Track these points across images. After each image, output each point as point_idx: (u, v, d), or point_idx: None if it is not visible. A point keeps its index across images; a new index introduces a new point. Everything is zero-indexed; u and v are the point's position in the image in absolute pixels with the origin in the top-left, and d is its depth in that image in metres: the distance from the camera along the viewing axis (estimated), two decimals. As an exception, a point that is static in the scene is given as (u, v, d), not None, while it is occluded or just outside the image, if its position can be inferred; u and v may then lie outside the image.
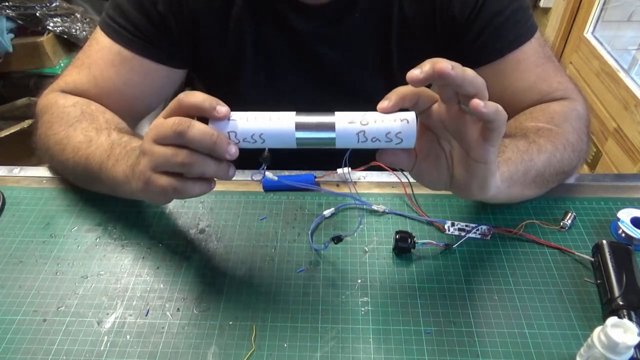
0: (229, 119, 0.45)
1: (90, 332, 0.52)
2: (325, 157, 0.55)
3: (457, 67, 0.40)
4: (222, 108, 0.44)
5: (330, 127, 0.45)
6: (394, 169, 0.67)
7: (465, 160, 0.46)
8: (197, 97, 0.45)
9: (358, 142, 0.45)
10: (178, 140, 0.44)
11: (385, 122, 0.44)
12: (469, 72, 0.40)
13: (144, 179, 0.48)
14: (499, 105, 0.41)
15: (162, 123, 0.45)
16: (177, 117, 0.45)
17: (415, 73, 0.40)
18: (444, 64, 0.39)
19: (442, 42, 0.70)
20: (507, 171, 0.54)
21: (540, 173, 0.59)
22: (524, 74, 0.68)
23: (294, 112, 0.45)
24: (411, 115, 0.45)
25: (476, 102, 0.40)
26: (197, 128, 0.44)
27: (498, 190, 0.52)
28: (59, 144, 0.63)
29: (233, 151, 0.45)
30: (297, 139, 0.45)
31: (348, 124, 0.44)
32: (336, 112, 0.45)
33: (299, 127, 0.45)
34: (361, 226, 0.63)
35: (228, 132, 0.45)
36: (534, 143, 0.59)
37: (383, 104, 0.44)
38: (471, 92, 0.41)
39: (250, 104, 0.77)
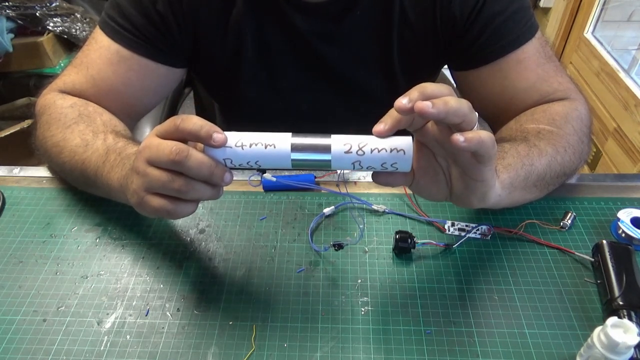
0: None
1: (90, 332, 0.52)
2: None
3: (438, 100, 0.39)
4: (219, 136, 0.44)
5: (326, 149, 0.44)
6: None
7: (462, 177, 0.46)
8: (194, 124, 0.44)
9: (353, 168, 0.45)
10: (174, 167, 0.44)
11: (381, 153, 0.44)
12: (452, 102, 0.40)
13: (137, 198, 0.48)
14: (482, 134, 0.41)
15: (157, 146, 0.45)
16: (174, 143, 0.44)
17: (402, 102, 0.40)
18: (424, 103, 0.39)
19: (442, 42, 0.70)
20: (508, 178, 0.54)
21: (542, 177, 0.59)
22: (525, 73, 0.67)
23: (290, 134, 0.45)
24: (407, 145, 0.44)
25: (455, 139, 0.40)
26: (195, 158, 0.44)
27: (499, 198, 0.52)
28: (56, 146, 0.63)
29: (228, 179, 0.46)
30: (292, 160, 0.45)
31: (344, 153, 0.44)
32: (332, 135, 0.45)
33: (295, 148, 0.45)
34: (361, 226, 0.63)
35: (224, 159, 0.45)
36: (535, 147, 0.59)
37: (379, 127, 0.43)
38: (456, 122, 0.40)
39: (250, 102, 0.78)
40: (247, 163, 0.45)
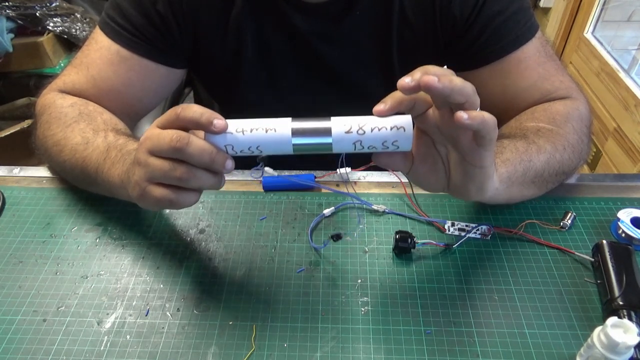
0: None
1: (90, 332, 0.52)
2: (324, 157, 0.55)
3: (444, 77, 0.40)
4: (220, 122, 0.44)
5: (327, 132, 0.44)
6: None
7: (461, 164, 0.46)
8: (194, 112, 0.44)
9: (355, 149, 0.45)
10: (175, 155, 0.44)
11: (381, 131, 0.44)
12: (457, 81, 0.40)
13: (139, 190, 0.48)
14: (484, 114, 0.41)
15: (158, 135, 0.45)
16: (175, 131, 0.44)
17: (405, 81, 0.41)
18: (430, 77, 0.39)
19: (442, 42, 0.70)
20: (506, 172, 0.54)
21: (540, 173, 0.59)
22: (525, 73, 0.67)
23: (290, 119, 0.45)
24: (407, 122, 0.44)
25: (459, 115, 0.40)
26: (196, 144, 0.44)
27: (497, 191, 0.52)
28: (56, 145, 0.63)
29: (230, 166, 0.45)
30: (293, 145, 0.45)
31: (345, 133, 0.44)
32: (332, 117, 0.45)
33: (295, 133, 0.45)
34: (361, 226, 0.63)
35: (225, 146, 0.45)
36: (534, 144, 0.59)
37: (379, 107, 0.44)
38: (460, 101, 0.40)
39: (250, 102, 0.78)
40: (249, 149, 0.45)
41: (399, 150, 0.46)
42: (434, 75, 0.39)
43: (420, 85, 0.40)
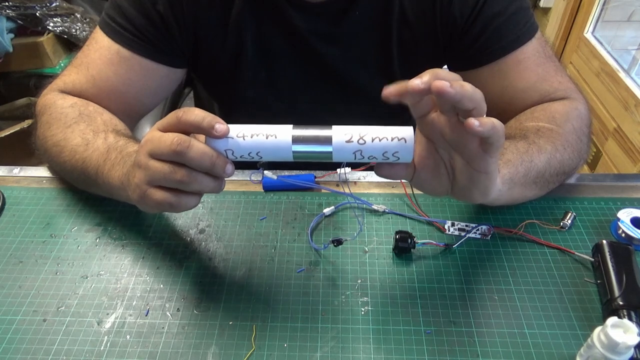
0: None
1: (90, 332, 0.52)
2: None
3: (455, 83, 0.39)
4: (221, 126, 0.44)
5: (327, 140, 0.44)
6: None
7: (465, 170, 0.46)
8: (196, 116, 0.44)
9: (355, 159, 0.45)
10: (176, 159, 0.44)
11: (382, 142, 0.44)
12: (467, 87, 0.40)
13: (139, 192, 0.48)
14: (494, 121, 0.41)
15: (159, 138, 0.45)
16: (175, 134, 0.44)
17: (416, 82, 0.40)
18: (442, 82, 0.39)
19: (442, 42, 0.70)
20: (508, 173, 0.54)
21: (541, 174, 0.59)
22: (525, 73, 0.67)
23: (291, 126, 0.45)
24: (409, 134, 0.44)
25: (471, 122, 0.40)
26: (197, 148, 0.44)
27: (499, 193, 0.52)
28: (56, 145, 0.63)
29: (230, 170, 0.45)
30: (293, 152, 0.45)
31: (345, 143, 0.44)
32: (333, 126, 0.45)
33: (296, 140, 0.45)
34: (361, 226, 0.63)
35: (225, 150, 0.45)
36: (534, 144, 0.59)
37: (387, 90, 0.42)
38: (469, 107, 0.40)
39: (250, 102, 0.78)
40: (249, 154, 0.45)
41: (400, 161, 0.45)
42: (445, 80, 0.39)
43: (432, 90, 0.39)
